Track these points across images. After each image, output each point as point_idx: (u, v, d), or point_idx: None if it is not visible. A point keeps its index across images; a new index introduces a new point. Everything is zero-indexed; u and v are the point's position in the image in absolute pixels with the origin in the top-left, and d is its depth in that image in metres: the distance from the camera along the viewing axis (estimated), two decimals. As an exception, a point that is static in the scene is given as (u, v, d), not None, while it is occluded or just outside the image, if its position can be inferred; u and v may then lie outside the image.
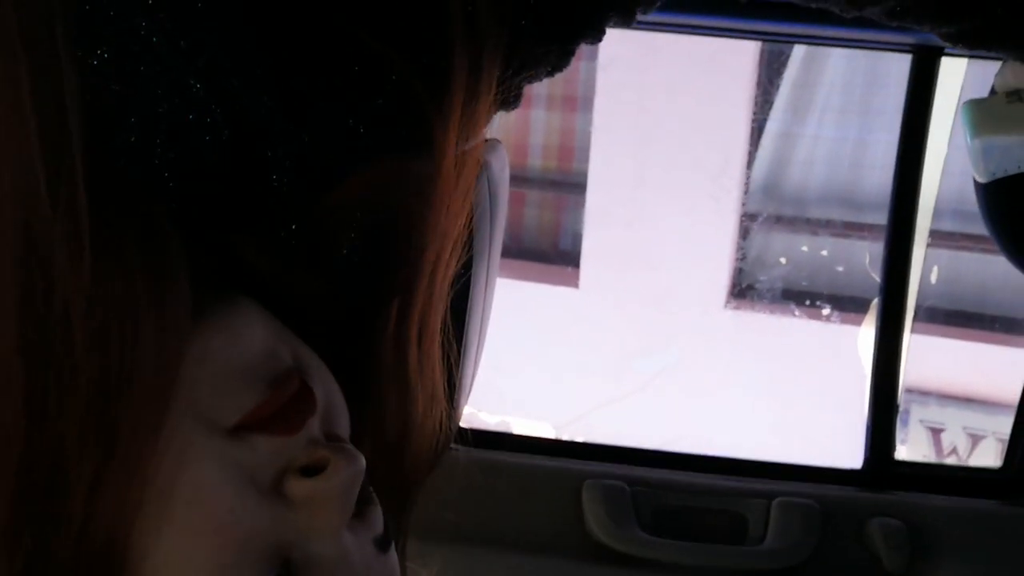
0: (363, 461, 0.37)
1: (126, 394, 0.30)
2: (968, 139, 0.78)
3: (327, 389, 0.39)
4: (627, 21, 0.62)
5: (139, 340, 0.30)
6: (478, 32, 0.42)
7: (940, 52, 1.09)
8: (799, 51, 3.79)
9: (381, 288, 0.44)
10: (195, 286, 0.34)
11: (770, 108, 3.90)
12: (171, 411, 0.32)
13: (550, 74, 0.63)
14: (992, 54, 0.75)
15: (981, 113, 0.77)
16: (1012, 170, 0.77)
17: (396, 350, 0.44)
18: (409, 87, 0.41)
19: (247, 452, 0.34)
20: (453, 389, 0.48)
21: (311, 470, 0.35)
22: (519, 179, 4.19)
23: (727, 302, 4.05)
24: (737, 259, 4.06)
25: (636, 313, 4.03)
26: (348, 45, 0.40)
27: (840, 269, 3.96)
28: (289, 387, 0.36)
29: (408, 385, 0.45)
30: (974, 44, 0.63)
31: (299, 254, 0.41)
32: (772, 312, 4.02)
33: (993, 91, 0.77)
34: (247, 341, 0.36)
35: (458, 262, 0.45)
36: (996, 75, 0.75)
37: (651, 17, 0.64)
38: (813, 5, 0.63)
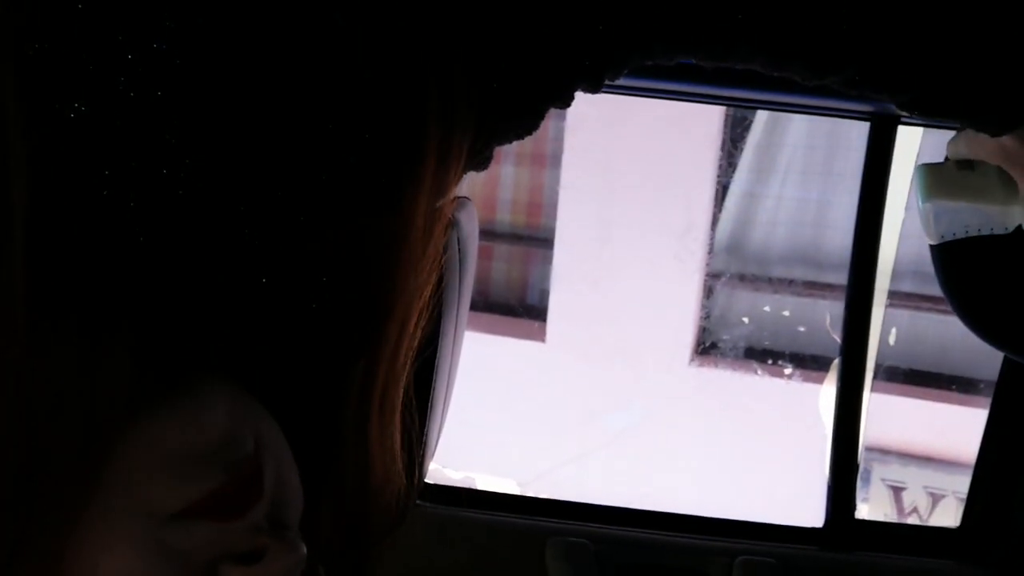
0: (304, 550, 0.36)
1: (49, 473, 0.29)
2: (919, 202, 0.81)
3: (281, 469, 0.38)
4: (595, 87, 0.63)
5: (66, 420, 0.29)
6: (451, 102, 0.43)
7: (897, 120, 1.12)
8: (762, 115, 3.88)
9: (346, 350, 0.43)
10: (153, 369, 0.33)
11: (734, 170, 3.97)
12: (101, 494, 0.30)
13: (519, 137, 0.64)
14: (945, 122, 0.78)
15: (932, 178, 0.79)
16: (960, 234, 0.79)
17: (357, 416, 0.43)
18: (382, 149, 0.41)
19: (183, 537, 0.32)
20: (417, 449, 0.47)
21: (248, 557, 0.34)
22: (488, 233, 4.22)
23: (691, 360, 4.08)
24: (701, 318, 4.10)
25: (601, 369, 4.04)
26: (323, 103, 0.41)
27: (802, 329, 4.01)
28: (243, 475, 0.34)
29: (368, 452, 0.44)
30: (928, 112, 0.65)
31: (268, 311, 0.40)
32: (735, 370, 4.05)
33: (946, 159, 0.80)
34: (205, 428, 0.34)
35: (424, 330, 0.44)
36: (949, 143, 0.78)
37: (619, 82, 0.66)
38: (776, 74, 0.65)
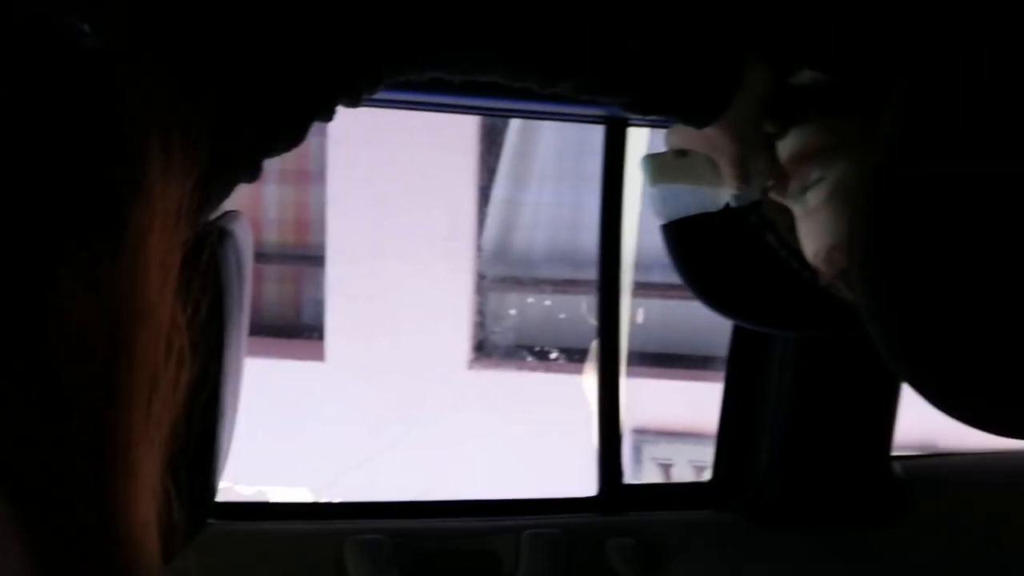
0: None
1: None
2: (648, 187, 0.93)
3: None
4: (355, 101, 0.69)
5: None
6: (171, 141, 0.34)
7: (626, 123, 1.25)
8: (516, 123, 4.07)
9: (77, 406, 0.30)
10: None
11: (494, 176, 4.14)
12: None
13: (286, 149, 0.69)
14: (662, 120, 0.91)
15: (655, 165, 0.91)
16: (682, 213, 0.92)
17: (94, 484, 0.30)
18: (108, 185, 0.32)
19: None
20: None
21: None
22: (256, 255, 4.12)
23: (469, 362, 4.20)
24: (475, 322, 4.23)
25: (384, 382, 4.07)
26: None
27: (563, 316, 4.24)
28: None
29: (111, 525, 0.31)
30: (645, 111, 0.77)
31: None
32: (510, 368, 4.22)
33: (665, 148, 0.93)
34: None
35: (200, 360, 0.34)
36: (666, 135, 0.91)
37: (378, 96, 0.72)
38: (517, 84, 0.74)
